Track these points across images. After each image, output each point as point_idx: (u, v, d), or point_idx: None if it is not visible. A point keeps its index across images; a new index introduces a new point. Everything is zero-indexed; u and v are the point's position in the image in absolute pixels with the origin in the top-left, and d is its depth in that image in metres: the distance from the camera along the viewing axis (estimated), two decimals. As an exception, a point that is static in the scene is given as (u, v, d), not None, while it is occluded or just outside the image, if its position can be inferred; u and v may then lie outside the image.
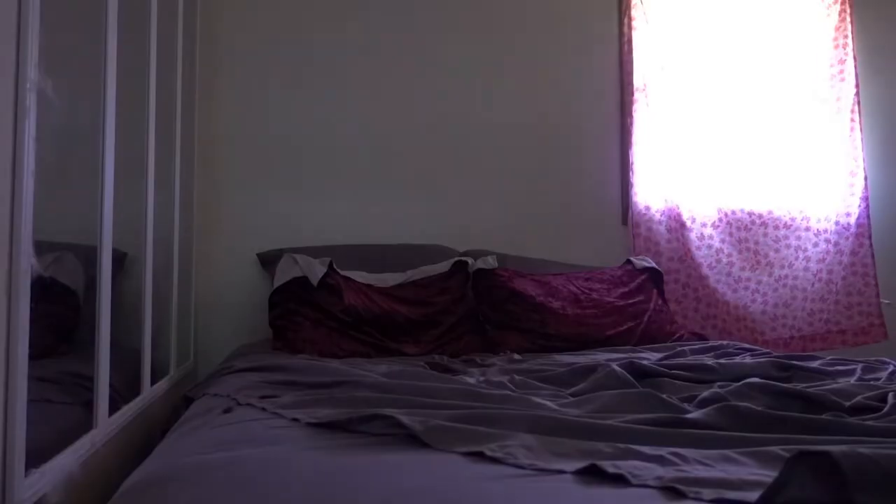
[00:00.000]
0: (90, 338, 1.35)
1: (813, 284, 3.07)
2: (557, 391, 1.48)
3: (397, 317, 2.26)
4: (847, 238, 3.10)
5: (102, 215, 1.36)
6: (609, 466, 0.84)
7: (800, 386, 1.39)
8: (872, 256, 3.09)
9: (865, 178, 3.14)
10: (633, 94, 3.03)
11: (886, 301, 3.10)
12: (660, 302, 2.59)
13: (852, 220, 3.12)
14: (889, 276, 3.16)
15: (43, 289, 1.02)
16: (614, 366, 1.55)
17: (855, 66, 3.19)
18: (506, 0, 3.00)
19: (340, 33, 2.82)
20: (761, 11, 3.17)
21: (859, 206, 3.12)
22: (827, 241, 3.09)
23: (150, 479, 0.88)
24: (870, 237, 3.11)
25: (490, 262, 2.48)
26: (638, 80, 3.02)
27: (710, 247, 3.03)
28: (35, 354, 0.98)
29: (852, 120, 3.16)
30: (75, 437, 1.21)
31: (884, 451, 0.69)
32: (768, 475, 0.80)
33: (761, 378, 1.49)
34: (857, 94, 3.18)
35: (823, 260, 3.08)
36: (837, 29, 3.21)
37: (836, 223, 3.11)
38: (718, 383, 1.51)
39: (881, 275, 3.12)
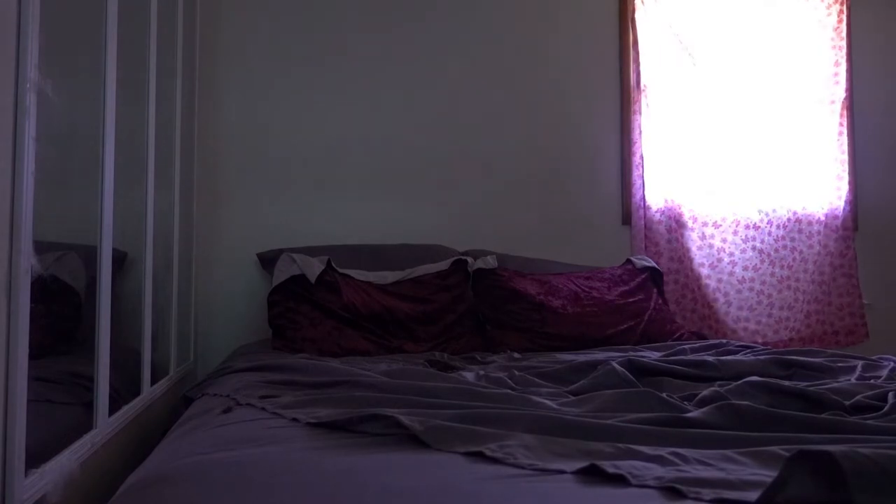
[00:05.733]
0: (90, 338, 1.35)
1: (810, 286, 3.08)
2: (557, 389, 1.47)
3: (397, 313, 2.26)
4: (835, 240, 3.12)
5: (102, 215, 1.36)
6: (609, 466, 0.84)
7: (800, 385, 1.39)
8: (856, 258, 3.12)
9: (850, 182, 3.16)
10: (633, 94, 3.03)
11: (866, 302, 3.13)
12: (660, 301, 2.59)
13: (839, 222, 3.14)
14: (871, 276, 3.19)
15: (44, 288, 1.02)
16: (614, 364, 1.55)
17: (848, 69, 3.20)
18: (507, 2, 3.00)
19: (341, 34, 2.82)
20: (763, 10, 3.16)
21: (843, 209, 3.14)
22: (819, 242, 3.11)
23: (149, 479, 0.88)
24: (853, 239, 3.14)
25: (490, 262, 2.48)
26: (638, 80, 3.02)
27: (711, 247, 3.04)
28: (36, 354, 0.98)
29: (840, 124, 3.18)
30: (75, 437, 1.21)
31: (884, 451, 0.69)
32: (768, 475, 0.80)
33: (762, 376, 1.50)
34: (848, 97, 3.20)
35: (816, 261, 3.10)
36: (836, 30, 3.21)
37: (825, 225, 3.13)
38: (718, 382, 1.51)
39: (864, 275, 3.15)
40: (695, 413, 1.14)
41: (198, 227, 2.60)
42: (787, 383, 1.40)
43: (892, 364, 1.69)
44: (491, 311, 2.43)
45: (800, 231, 3.12)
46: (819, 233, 3.12)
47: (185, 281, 2.38)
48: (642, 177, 2.99)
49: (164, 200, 2.04)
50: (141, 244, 1.78)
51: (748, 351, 2.00)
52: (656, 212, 2.99)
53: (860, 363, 1.70)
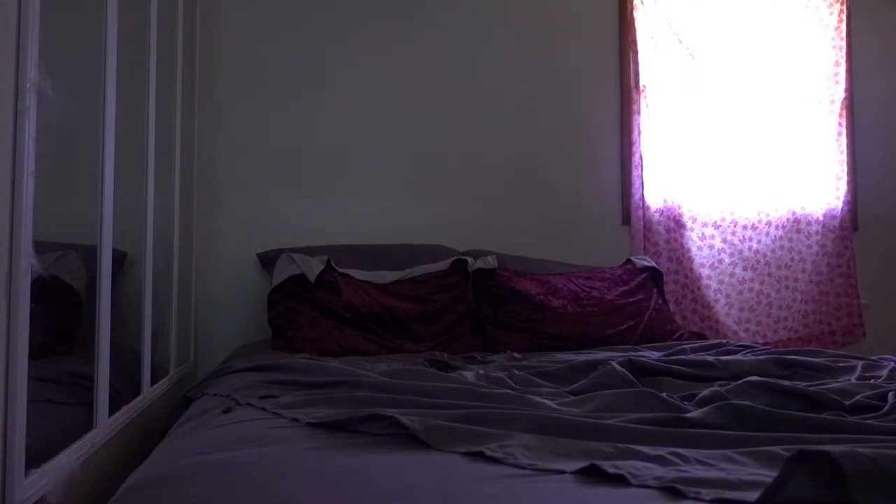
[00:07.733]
0: (90, 338, 1.35)
1: (808, 286, 3.08)
2: (557, 389, 1.47)
3: (397, 313, 2.26)
4: (833, 240, 3.13)
5: (102, 215, 1.36)
6: (609, 466, 0.84)
7: (800, 385, 1.39)
8: (854, 258, 3.12)
9: (849, 182, 3.16)
10: (633, 95, 3.03)
11: (864, 302, 3.13)
12: (660, 301, 2.59)
13: (837, 222, 3.14)
14: (870, 276, 3.19)
15: (44, 288, 1.02)
16: (614, 364, 1.55)
17: (848, 69, 3.20)
18: (507, 2, 3.00)
19: (342, 35, 2.82)
20: (763, 10, 3.16)
21: (842, 209, 3.14)
22: (817, 242, 3.12)
23: (149, 480, 0.88)
24: (851, 239, 3.14)
25: (490, 262, 2.48)
26: (638, 80, 3.03)
27: (711, 247, 3.04)
28: (36, 354, 0.98)
29: (840, 124, 3.18)
30: (75, 437, 1.21)
31: (884, 451, 0.69)
32: (768, 475, 0.80)
33: (762, 376, 1.50)
34: (848, 97, 3.20)
35: (814, 261, 3.10)
36: (836, 29, 3.21)
37: (823, 225, 3.13)
38: (718, 382, 1.51)
39: (863, 275, 3.16)
40: (695, 413, 1.14)
41: (198, 227, 2.60)
42: (787, 383, 1.40)
43: (892, 364, 1.69)
44: (491, 311, 2.43)
45: (798, 231, 3.13)
46: (818, 233, 3.13)
47: (185, 281, 2.38)
48: (641, 177, 2.99)
49: (164, 200, 2.04)
50: (141, 244, 1.78)
51: (748, 351, 2.00)
52: (655, 212, 2.99)
53: (860, 363, 1.70)
